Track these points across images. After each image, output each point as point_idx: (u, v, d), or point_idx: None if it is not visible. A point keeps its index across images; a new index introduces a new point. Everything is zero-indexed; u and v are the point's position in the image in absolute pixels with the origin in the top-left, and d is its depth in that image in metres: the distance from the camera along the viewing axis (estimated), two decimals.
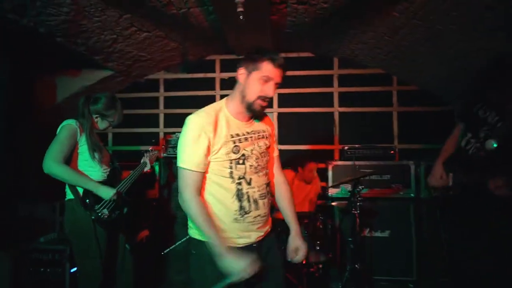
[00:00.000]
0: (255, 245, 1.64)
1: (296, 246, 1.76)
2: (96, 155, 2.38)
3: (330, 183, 3.70)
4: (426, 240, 3.51)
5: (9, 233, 3.30)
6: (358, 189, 2.88)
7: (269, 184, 1.73)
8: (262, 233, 1.68)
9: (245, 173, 1.60)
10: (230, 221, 1.59)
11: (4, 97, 3.20)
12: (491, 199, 2.13)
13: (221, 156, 1.56)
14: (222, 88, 4.39)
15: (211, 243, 1.50)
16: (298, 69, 4.31)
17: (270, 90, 1.56)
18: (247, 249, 1.60)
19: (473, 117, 2.26)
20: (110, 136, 4.56)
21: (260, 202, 1.63)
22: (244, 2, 2.49)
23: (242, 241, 1.61)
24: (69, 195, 2.36)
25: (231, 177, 1.58)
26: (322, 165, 3.96)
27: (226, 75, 4.37)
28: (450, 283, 3.32)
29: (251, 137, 1.65)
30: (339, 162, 3.74)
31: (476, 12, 2.44)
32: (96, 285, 2.36)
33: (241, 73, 1.62)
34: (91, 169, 2.39)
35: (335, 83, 4.27)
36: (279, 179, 1.90)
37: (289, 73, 4.31)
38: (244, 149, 1.61)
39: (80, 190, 2.34)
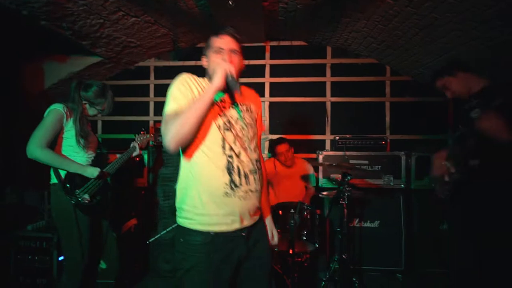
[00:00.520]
0: (244, 233, 1.62)
1: (271, 231, 1.87)
2: (82, 141, 2.41)
3: (320, 173, 3.69)
4: (416, 231, 3.52)
5: None
6: (346, 179, 2.85)
7: (259, 160, 1.71)
8: (252, 220, 1.66)
9: (234, 143, 1.60)
10: (221, 195, 1.54)
11: None
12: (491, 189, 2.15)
13: (207, 121, 1.55)
14: None
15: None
16: (291, 58, 4.26)
17: (225, 56, 1.63)
18: (236, 238, 1.60)
19: (463, 114, 2.29)
20: (99, 124, 4.50)
21: (251, 176, 1.61)
22: None
23: (233, 226, 1.58)
24: (53, 179, 2.39)
25: (223, 146, 1.57)
26: (313, 155, 3.94)
27: None
28: (438, 273, 3.36)
29: (235, 107, 1.68)
30: (330, 152, 3.72)
31: None
32: (79, 270, 2.38)
33: (203, 60, 1.73)
34: (75, 154, 2.43)
35: (328, 72, 4.22)
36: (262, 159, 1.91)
37: (282, 61, 4.27)
38: (229, 116, 1.63)
39: (63, 174, 2.36)
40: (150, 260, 3.56)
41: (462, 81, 2.31)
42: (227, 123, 1.60)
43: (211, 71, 1.63)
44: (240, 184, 1.57)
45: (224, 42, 1.63)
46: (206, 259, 1.55)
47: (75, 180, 2.35)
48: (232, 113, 1.65)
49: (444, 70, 2.39)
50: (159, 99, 4.38)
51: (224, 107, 1.64)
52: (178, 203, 1.65)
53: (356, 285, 2.92)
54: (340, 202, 2.88)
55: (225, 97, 1.67)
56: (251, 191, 1.60)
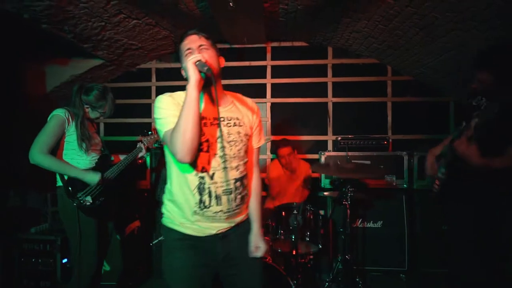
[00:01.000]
0: (220, 235, 1.62)
1: (256, 245, 1.74)
2: (84, 144, 2.44)
3: (322, 174, 3.69)
4: (419, 231, 3.52)
5: (0, 224, 3.28)
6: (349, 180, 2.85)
7: (241, 179, 1.64)
8: (227, 225, 1.64)
9: (209, 163, 1.54)
10: (190, 213, 1.56)
11: None
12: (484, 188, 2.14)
13: None
14: None
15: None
16: (292, 58, 4.26)
17: (196, 53, 1.52)
18: (212, 238, 1.60)
19: (468, 108, 2.25)
20: (102, 126, 4.51)
21: (224, 198, 1.56)
22: None
23: (203, 233, 1.59)
24: (59, 182, 2.43)
25: (195, 167, 1.52)
26: (315, 156, 3.94)
27: None
28: (442, 273, 3.35)
29: (217, 123, 1.57)
30: (332, 153, 3.72)
31: None
32: (89, 273, 2.43)
33: (182, 73, 1.62)
34: (78, 157, 2.45)
35: (329, 73, 4.23)
36: (253, 172, 1.83)
37: (283, 62, 4.27)
38: (209, 135, 1.54)
39: (66, 177, 2.39)
40: (154, 262, 3.57)
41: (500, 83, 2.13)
42: (204, 143, 1.52)
43: (187, 75, 1.49)
44: (210, 205, 1.55)
45: (190, 42, 1.57)
46: (180, 255, 1.59)
47: (76, 182, 2.38)
48: (213, 131, 1.56)
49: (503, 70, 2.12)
50: None
51: (205, 124, 1.55)
52: (163, 204, 1.70)
53: (360, 285, 2.92)
54: (343, 202, 2.88)
55: (208, 112, 1.58)
56: (223, 211, 1.57)
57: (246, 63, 4.27)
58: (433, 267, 3.41)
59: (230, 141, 1.59)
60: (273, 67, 4.29)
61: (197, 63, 1.43)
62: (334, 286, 3.04)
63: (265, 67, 4.29)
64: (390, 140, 3.80)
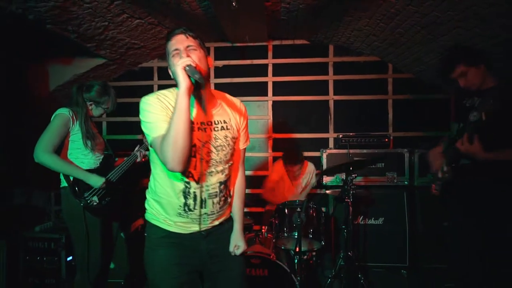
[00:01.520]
0: (203, 232, 1.63)
1: (236, 244, 1.74)
2: (89, 143, 2.42)
3: (323, 172, 3.73)
4: (420, 227, 3.55)
5: (4, 222, 3.31)
6: (351, 177, 2.88)
7: (226, 181, 1.65)
8: (211, 225, 1.66)
9: (195, 168, 1.53)
10: (174, 214, 1.58)
11: None
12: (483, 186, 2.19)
13: None
14: (216, 76, 4.35)
15: None
16: (293, 57, 4.28)
17: (185, 55, 1.46)
18: (195, 235, 1.62)
19: (462, 109, 2.30)
20: (104, 125, 4.53)
21: (209, 201, 1.58)
22: None
23: (188, 230, 1.61)
24: (63, 183, 2.41)
25: (182, 172, 1.49)
26: (316, 153, 3.97)
27: (220, 63, 4.33)
28: (443, 269, 3.38)
29: (205, 128, 1.55)
30: (334, 150, 3.75)
31: None
32: (93, 274, 2.43)
33: (169, 72, 1.57)
34: (83, 157, 2.44)
35: (330, 71, 4.25)
36: (237, 173, 1.84)
37: (284, 60, 4.29)
38: (197, 139, 1.51)
39: (71, 178, 2.38)
40: None
41: (481, 74, 2.22)
42: (192, 148, 1.49)
43: (174, 76, 1.45)
44: (194, 208, 1.56)
45: (177, 42, 1.49)
46: (164, 253, 1.59)
47: (83, 183, 2.37)
48: (200, 135, 1.52)
49: (469, 58, 2.24)
50: None
51: (192, 129, 1.49)
52: (146, 200, 1.71)
53: (362, 281, 2.95)
54: (346, 200, 2.91)
55: (195, 116, 1.54)
56: (207, 214, 1.59)
57: (248, 62, 4.29)
58: (434, 263, 3.45)
59: (217, 146, 1.58)
60: (274, 65, 4.31)
61: (187, 68, 1.37)
62: (337, 282, 3.07)
63: (266, 65, 4.30)
64: (391, 138, 3.83)
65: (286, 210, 2.96)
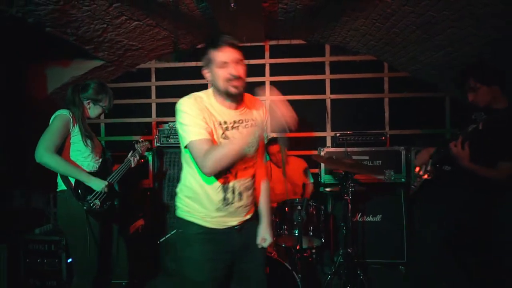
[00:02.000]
0: (237, 227, 1.72)
1: (263, 237, 1.85)
2: (89, 142, 2.39)
3: (322, 170, 3.76)
4: (417, 225, 3.61)
5: (4, 224, 3.31)
6: (350, 175, 2.92)
7: (254, 176, 1.78)
8: (244, 218, 1.76)
9: (233, 166, 1.62)
10: (213, 210, 1.65)
11: None
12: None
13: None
14: None
15: None
16: (290, 56, 4.31)
17: (232, 70, 1.55)
18: (229, 230, 1.70)
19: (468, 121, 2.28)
20: (102, 126, 4.54)
21: (244, 194, 1.70)
22: None
23: (224, 225, 1.69)
24: (61, 186, 2.36)
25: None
26: (314, 152, 4.00)
27: None
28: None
29: (237, 126, 1.66)
30: (331, 149, 3.79)
31: None
32: (91, 277, 2.40)
33: (206, 74, 1.64)
34: (83, 159, 2.40)
35: (327, 70, 4.29)
36: (258, 171, 1.90)
37: (281, 60, 4.32)
38: (232, 137, 1.62)
39: (72, 181, 2.34)
40: (162, 259, 3.61)
41: (492, 94, 2.22)
42: None
43: (215, 84, 1.60)
44: (233, 202, 1.67)
45: (226, 55, 1.54)
46: (200, 248, 1.65)
47: (85, 185, 2.34)
48: (235, 134, 1.63)
49: (484, 77, 2.22)
50: (160, 100, 4.41)
51: (227, 128, 1.62)
52: (178, 198, 1.75)
53: (361, 278, 3.00)
54: (345, 197, 2.95)
55: (229, 116, 1.65)
56: (243, 206, 1.71)
57: (245, 62, 4.29)
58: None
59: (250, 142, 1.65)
60: (271, 65, 4.34)
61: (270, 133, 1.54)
62: (336, 278, 3.11)
63: (263, 65, 4.33)
64: (388, 135, 3.88)
65: (286, 209, 3.00)
